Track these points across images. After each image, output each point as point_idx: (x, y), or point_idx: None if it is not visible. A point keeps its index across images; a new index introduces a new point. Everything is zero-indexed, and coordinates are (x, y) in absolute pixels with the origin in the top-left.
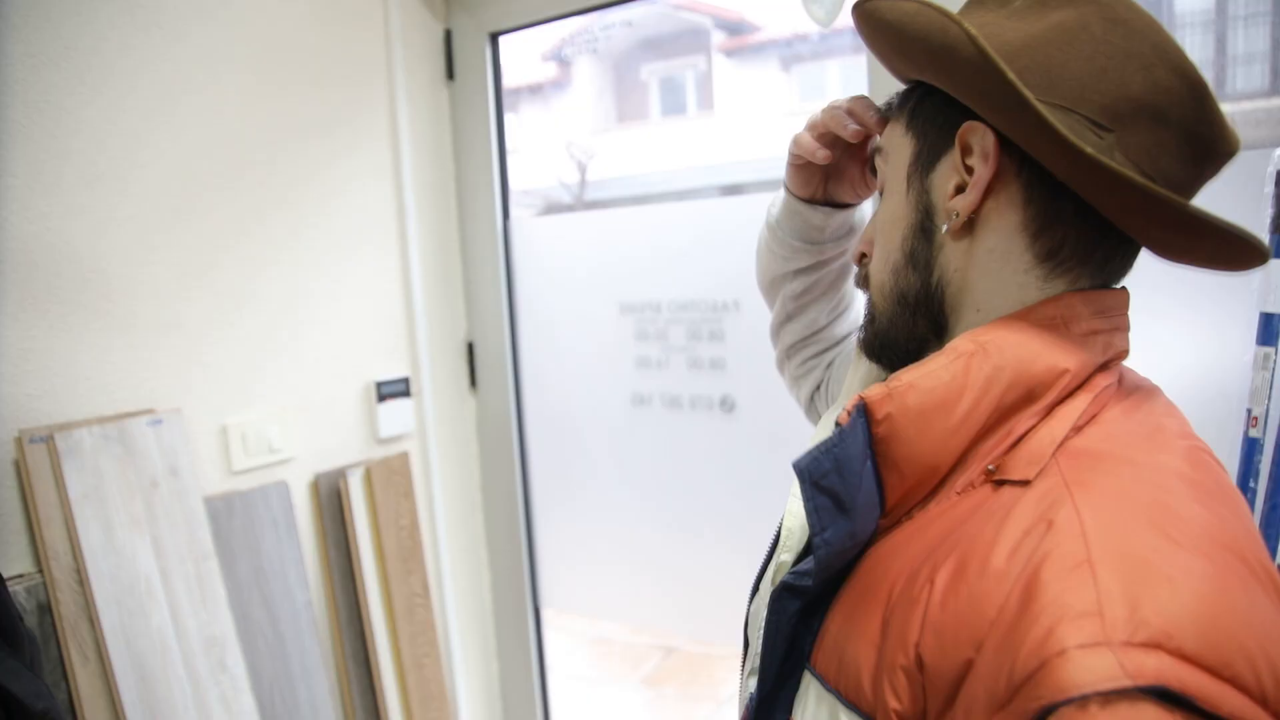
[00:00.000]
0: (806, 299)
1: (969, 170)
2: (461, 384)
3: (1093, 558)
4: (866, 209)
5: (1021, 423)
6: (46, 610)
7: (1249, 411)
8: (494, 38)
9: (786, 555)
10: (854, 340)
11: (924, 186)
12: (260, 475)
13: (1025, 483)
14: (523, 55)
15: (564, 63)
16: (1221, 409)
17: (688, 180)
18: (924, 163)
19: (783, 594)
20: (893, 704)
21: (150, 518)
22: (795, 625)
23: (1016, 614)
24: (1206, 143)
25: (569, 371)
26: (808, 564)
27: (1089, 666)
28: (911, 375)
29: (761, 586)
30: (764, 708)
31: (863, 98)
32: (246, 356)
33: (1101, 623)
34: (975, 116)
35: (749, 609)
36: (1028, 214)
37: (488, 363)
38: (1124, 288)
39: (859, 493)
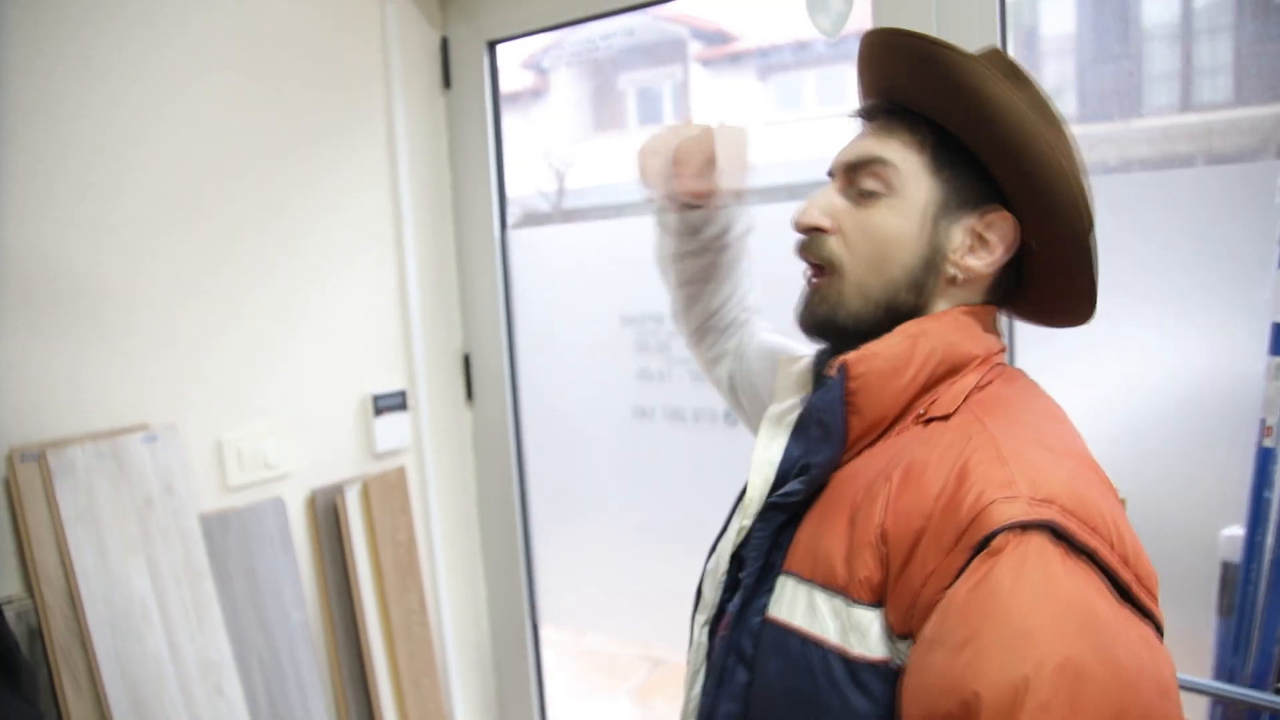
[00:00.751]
0: (698, 284)
1: (981, 240)
2: (457, 397)
3: (1002, 454)
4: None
5: (941, 388)
6: (37, 635)
7: (1263, 422)
8: (491, 46)
9: (746, 521)
10: (763, 335)
11: (940, 231)
12: (256, 492)
13: (946, 417)
14: (501, 65)
15: (542, 72)
16: (1234, 419)
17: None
18: (947, 214)
19: (770, 510)
20: (861, 574)
21: (145, 537)
22: (770, 542)
23: (954, 490)
24: None
25: (568, 384)
26: (793, 486)
27: (1010, 510)
28: (876, 347)
29: (720, 546)
30: (741, 613)
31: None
32: (242, 369)
33: (1014, 488)
34: (994, 195)
35: (706, 565)
36: (1003, 275)
37: (484, 375)
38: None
39: (840, 427)
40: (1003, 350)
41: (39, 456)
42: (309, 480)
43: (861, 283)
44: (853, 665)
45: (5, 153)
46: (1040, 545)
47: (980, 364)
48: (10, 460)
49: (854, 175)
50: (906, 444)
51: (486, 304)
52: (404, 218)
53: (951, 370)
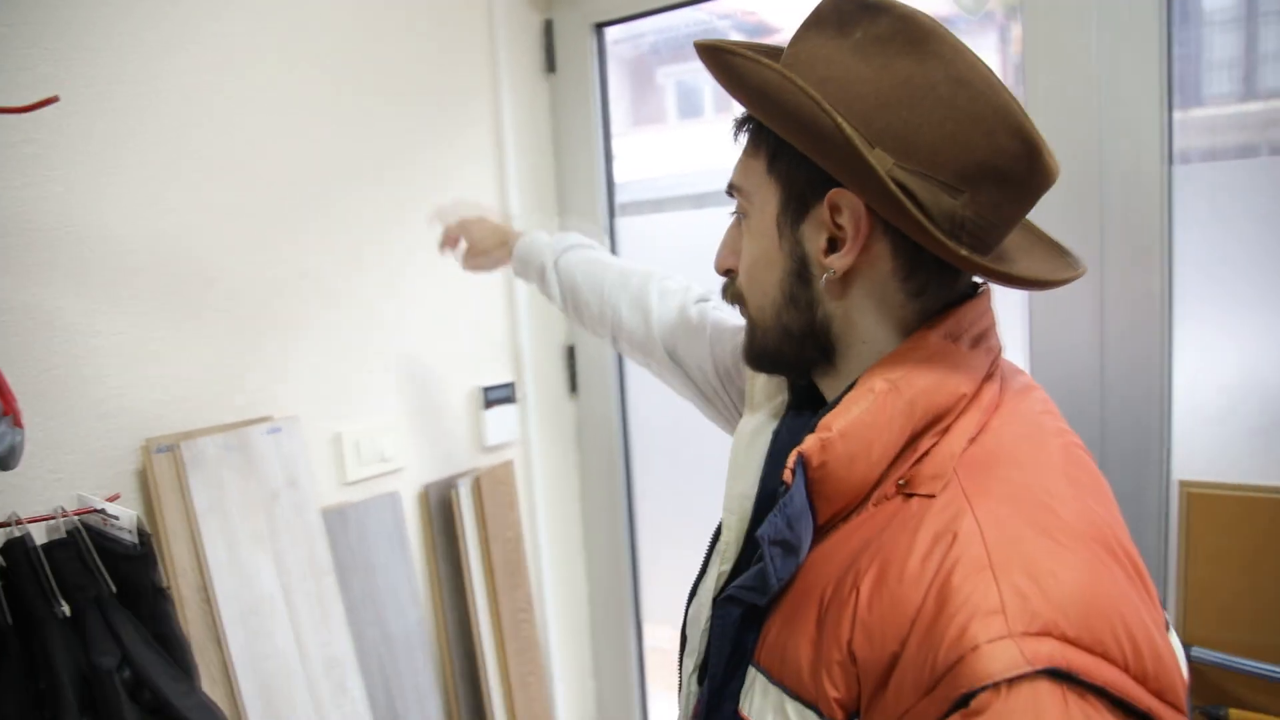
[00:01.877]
0: (571, 311)
1: (839, 228)
2: (561, 389)
3: (993, 561)
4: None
5: (926, 441)
6: None
7: None
8: (599, 28)
9: (725, 565)
10: (716, 315)
11: (796, 238)
12: (372, 486)
13: (930, 496)
14: None
15: None
16: None
17: (707, 183)
18: (792, 214)
19: (727, 603)
20: (831, 693)
21: (271, 532)
22: (739, 628)
23: (934, 614)
24: (1038, 188)
25: None
26: (749, 579)
27: (997, 657)
28: (839, 424)
29: (700, 591)
30: (713, 701)
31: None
32: (358, 361)
33: (1005, 619)
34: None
35: (688, 611)
36: (896, 263)
37: (588, 367)
38: (983, 290)
39: (805, 534)
40: (1000, 353)
41: (173, 448)
42: (421, 474)
43: (759, 313)
44: None
45: (137, 131)
46: (1033, 699)
47: (972, 402)
48: (146, 451)
49: (733, 196)
50: (883, 526)
51: None
52: (511, 206)
53: (934, 421)
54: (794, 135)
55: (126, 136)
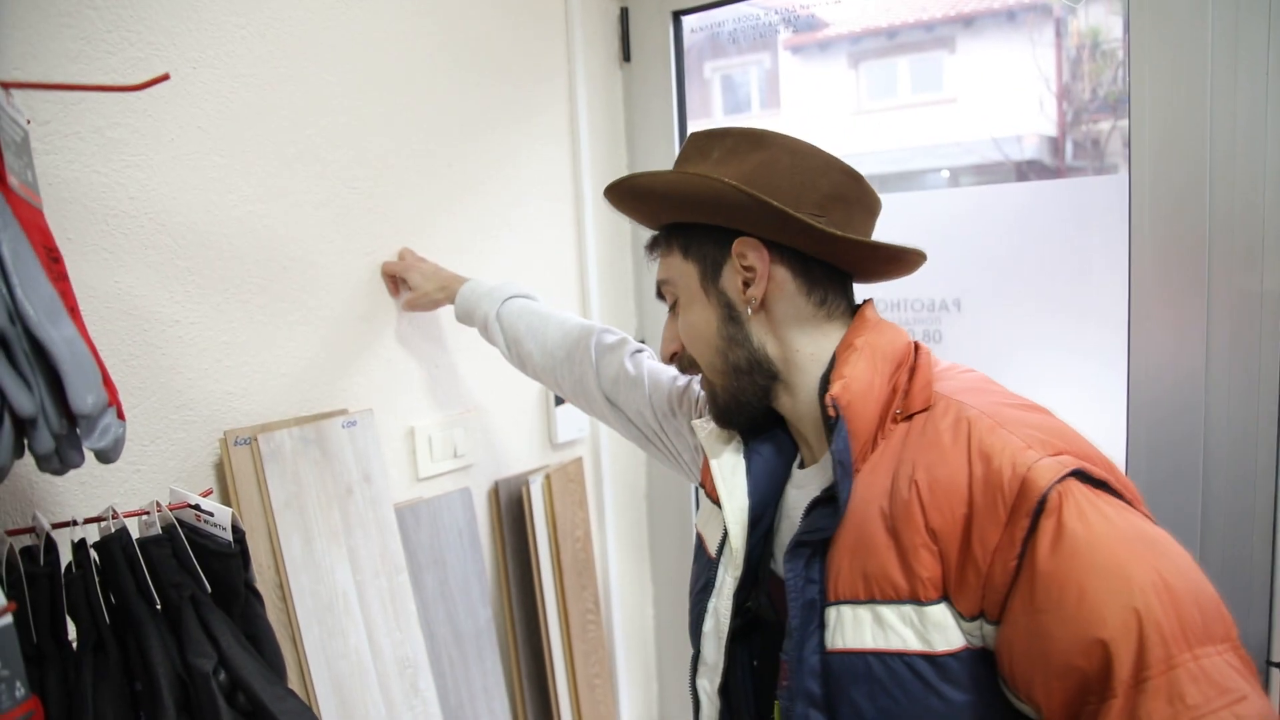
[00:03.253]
0: (516, 360)
1: (748, 269)
2: None
3: (1003, 424)
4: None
5: (900, 381)
6: None
7: None
8: (677, 16)
9: (737, 571)
10: (645, 363)
11: (719, 289)
12: (444, 482)
13: (926, 409)
14: None
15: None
16: None
17: None
18: (712, 275)
19: (798, 549)
20: (923, 573)
21: (346, 528)
22: (805, 579)
23: (985, 470)
24: (869, 206)
25: None
26: (810, 524)
27: (1046, 469)
28: (848, 372)
29: (713, 606)
30: (798, 662)
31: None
32: (431, 354)
33: (1034, 450)
34: (737, 233)
35: (701, 628)
36: (798, 283)
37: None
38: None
39: (851, 460)
40: None
41: (251, 440)
42: (492, 471)
43: (710, 366)
44: (939, 662)
45: (215, 117)
46: (1079, 490)
47: (919, 350)
48: (225, 444)
49: (664, 298)
50: (901, 448)
51: None
52: (584, 198)
53: (899, 364)
54: (696, 209)
55: (205, 123)
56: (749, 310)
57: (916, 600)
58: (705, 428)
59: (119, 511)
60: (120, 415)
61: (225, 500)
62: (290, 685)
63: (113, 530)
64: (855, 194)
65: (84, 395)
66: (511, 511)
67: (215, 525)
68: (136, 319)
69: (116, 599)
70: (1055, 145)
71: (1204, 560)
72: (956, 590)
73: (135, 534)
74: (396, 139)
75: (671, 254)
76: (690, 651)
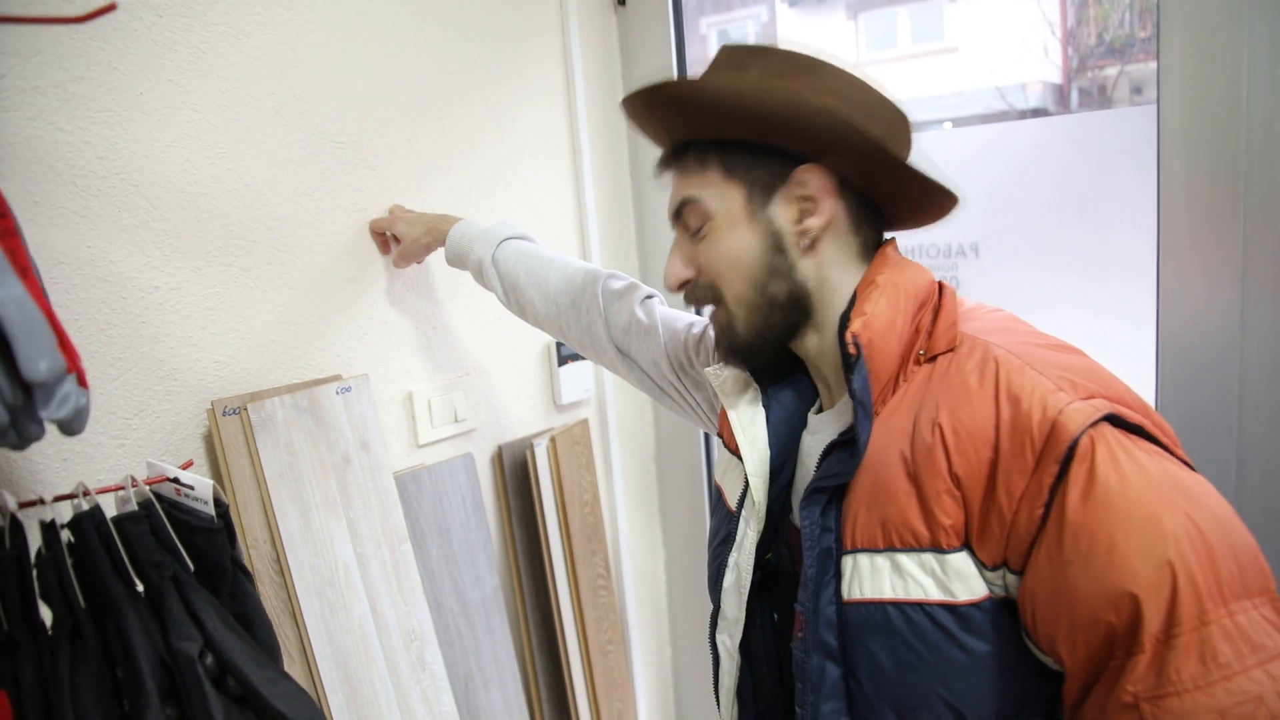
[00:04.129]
0: (514, 307)
1: (806, 199)
2: None
3: (1032, 365)
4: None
5: (924, 321)
6: None
7: None
8: None
9: (760, 525)
10: (660, 310)
11: (767, 216)
12: (445, 448)
13: (950, 350)
14: None
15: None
16: None
17: None
18: (760, 199)
19: (814, 495)
20: (945, 521)
21: (345, 498)
22: (820, 527)
23: (1013, 412)
24: (911, 149)
25: None
26: (829, 468)
27: (1077, 412)
28: (869, 309)
29: (733, 560)
30: (814, 613)
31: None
32: (427, 315)
33: (1065, 393)
34: (795, 158)
35: (721, 584)
36: (849, 220)
37: None
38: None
39: (871, 400)
40: None
41: (240, 410)
42: (494, 435)
43: (737, 296)
44: (961, 612)
45: (188, 70)
46: (1113, 436)
47: (943, 288)
48: (213, 414)
49: (682, 220)
50: (923, 390)
51: (667, 241)
52: (582, 150)
53: (922, 304)
54: (783, 134)
55: (174, 75)
56: (805, 243)
57: (937, 548)
58: (720, 375)
59: (90, 488)
60: (82, 382)
61: (216, 473)
62: (292, 661)
63: (85, 508)
64: (907, 135)
65: (35, 361)
66: (516, 476)
67: (196, 499)
68: (113, 286)
69: (92, 581)
70: (1060, 92)
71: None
72: (979, 538)
73: (112, 511)
74: (385, 91)
75: (707, 172)
76: (709, 607)
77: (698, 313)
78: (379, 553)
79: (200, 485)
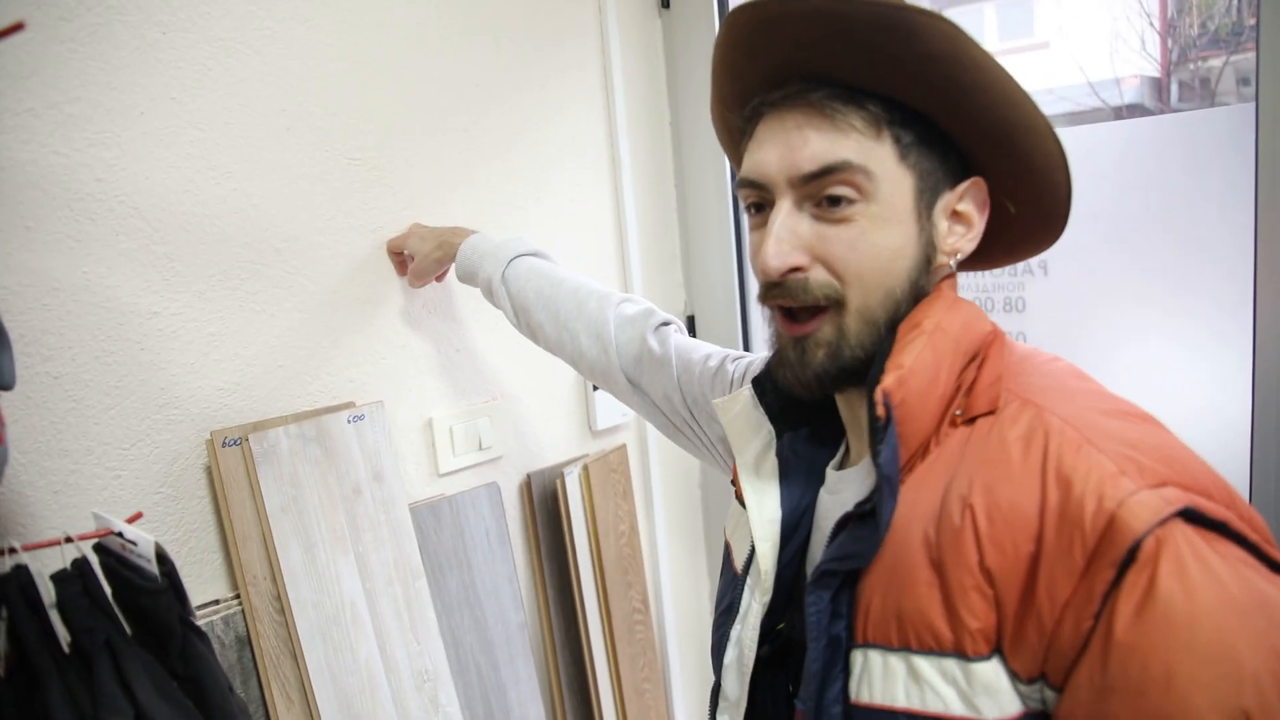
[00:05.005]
0: (526, 331)
1: (959, 216)
2: None
3: (1090, 440)
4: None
5: (968, 375)
6: (246, 644)
7: None
8: None
9: (765, 597)
10: (678, 340)
11: (929, 225)
12: (468, 477)
13: (991, 412)
14: None
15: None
16: None
17: None
18: (927, 201)
19: (823, 578)
20: (972, 624)
21: (354, 532)
22: (830, 617)
23: (1062, 499)
24: None
25: None
26: (840, 548)
27: (1143, 506)
28: (908, 361)
29: (737, 633)
30: (812, 705)
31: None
32: (448, 336)
33: (1129, 478)
34: (965, 167)
35: (722, 659)
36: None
37: (710, 338)
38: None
39: (899, 470)
40: None
41: (241, 441)
42: (523, 463)
43: (864, 309)
44: None
45: (193, 88)
46: (1185, 537)
47: (996, 338)
48: (212, 445)
49: (812, 186)
50: (957, 458)
51: (715, 258)
52: (621, 160)
53: (972, 357)
54: (1000, 144)
55: (178, 94)
56: (952, 263)
57: (962, 654)
58: (730, 408)
59: (18, 545)
60: None
61: (215, 507)
62: (291, 705)
63: (8, 568)
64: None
65: None
66: (546, 506)
67: (140, 556)
68: (110, 312)
69: (17, 650)
70: (1159, 86)
71: None
72: (1013, 645)
73: (64, 564)
74: (404, 103)
75: (881, 144)
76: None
77: (779, 314)
78: (390, 589)
79: (143, 542)
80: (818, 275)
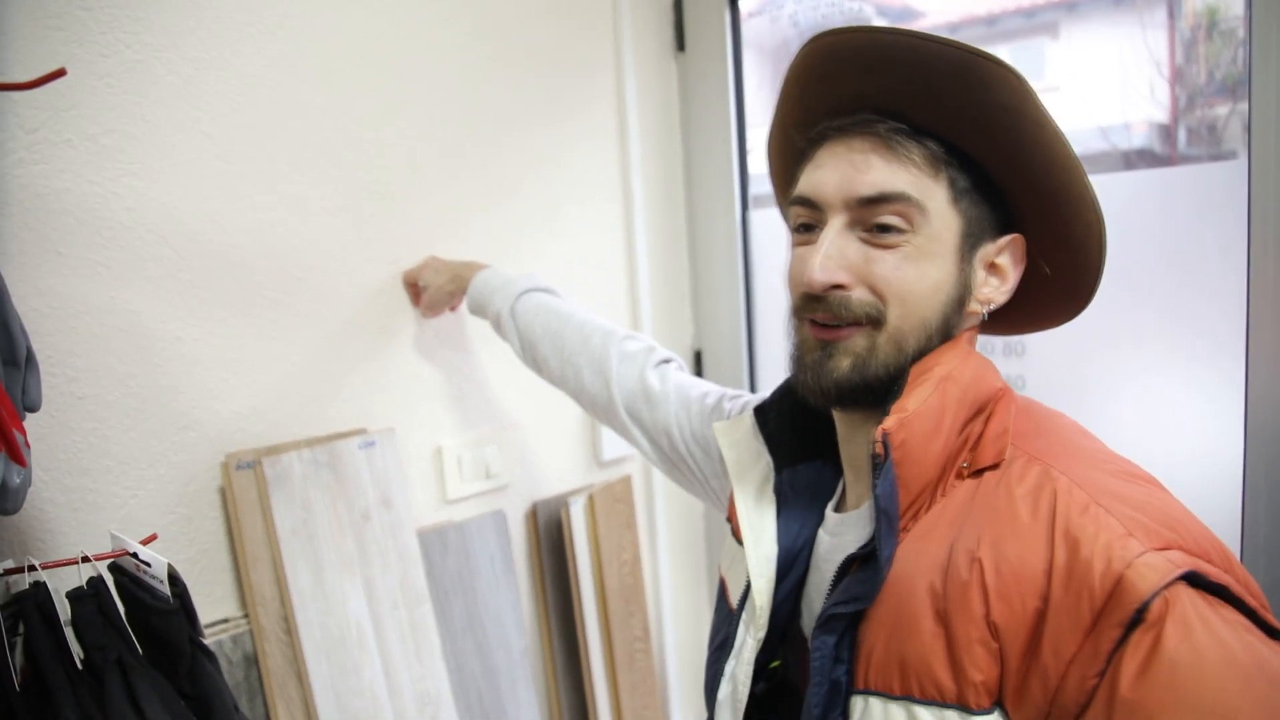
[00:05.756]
0: (531, 364)
1: (994, 269)
2: None
3: (1098, 501)
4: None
5: (974, 428)
6: (253, 662)
7: None
8: (734, 3)
9: (760, 633)
10: (677, 378)
11: (970, 268)
12: (475, 504)
13: (996, 466)
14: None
15: None
16: None
17: None
18: (970, 246)
19: (830, 622)
20: (976, 676)
21: (362, 556)
22: (834, 656)
23: (1069, 557)
24: None
25: None
26: (850, 589)
27: (1151, 568)
28: (913, 404)
29: (731, 669)
30: None
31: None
32: (459, 366)
33: (1137, 539)
34: (1009, 224)
35: (715, 696)
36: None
37: (718, 374)
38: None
39: (898, 512)
40: None
41: (254, 464)
42: (529, 492)
43: (898, 333)
44: None
45: (222, 122)
46: (1191, 600)
47: (1004, 394)
48: (227, 468)
49: (866, 211)
50: (964, 512)
51: (723, 295)
52: (634, 197)
53: (979, 411)
54: (1048, 205)
55: (209, 128)
56: (984, 311)
57: (964, 707)
58: (732, 434)
59: (37, 563)
60: (17, 458)
61: (227, 528)
62: None
63: (27, 585)
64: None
65: None
66: (550, 535)
67: (153, 577)
68: (134, 337)
69: (31, 665)
70: (1167, 132)
71: None
72: (1015, 699)
73: (79, 582)
74: (423, 139)
75: (938, 184)
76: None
77: (814, 328)
78: (396, 613)
79: (156, 563)
80: (860, 294)
